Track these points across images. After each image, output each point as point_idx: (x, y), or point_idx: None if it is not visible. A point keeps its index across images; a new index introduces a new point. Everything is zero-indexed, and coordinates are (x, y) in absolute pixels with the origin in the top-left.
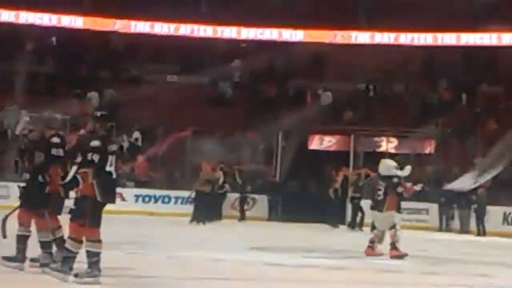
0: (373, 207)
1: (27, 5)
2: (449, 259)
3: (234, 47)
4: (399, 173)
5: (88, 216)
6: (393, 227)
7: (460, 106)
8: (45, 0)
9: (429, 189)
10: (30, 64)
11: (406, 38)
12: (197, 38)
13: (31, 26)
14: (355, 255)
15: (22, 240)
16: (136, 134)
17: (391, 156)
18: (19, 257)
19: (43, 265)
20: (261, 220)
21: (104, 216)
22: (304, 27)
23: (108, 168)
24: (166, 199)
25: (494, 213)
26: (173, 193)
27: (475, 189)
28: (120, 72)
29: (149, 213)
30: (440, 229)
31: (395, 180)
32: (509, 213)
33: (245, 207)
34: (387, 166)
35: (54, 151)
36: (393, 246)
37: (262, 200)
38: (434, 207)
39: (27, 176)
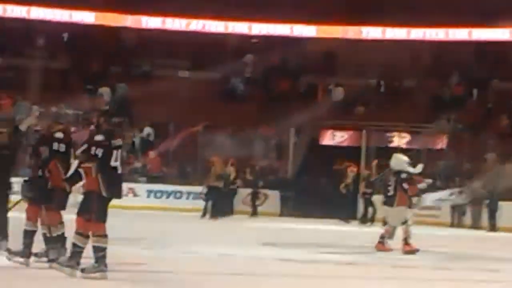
0: (384, 203)
1: (39, 1)
2: (460, 255)
3: (246, 43)
4: (411, 170)
5: (94, 211)
6: (405, 222)
7: (471, 102)
8: None
9: (441, 185)
10: (42, 59)
11: (417, 34)
12: (208, 34)
13: (43, 22)
14: (366, 251)
15: (29, 235)
16: (148, 130)
17: (403, 151)
18: (26, 252)
19: (50, 260)
20: (273, 215)
21: (115, 211)
22: (316, 22)
23: (113, 163)
24: (178, 194)
25: (507, 209)
26: (185, 188)
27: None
28: (132, 68)
29: (161, 208)
30: (452, 225)
31: (403, 175)
32: None
33: (257, 202)
34: (398, 161)
35: (55, 146)
36: (406, 241)
37: (274, 196)
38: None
39: (26, 171)
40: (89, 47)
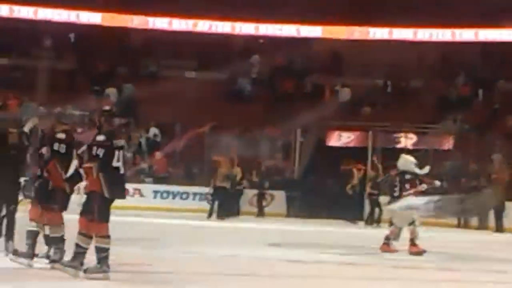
0: (390, 204)
1: (46, 1)
2: (466, 256)
3: (252, 43)
4: (418, 171)
5: (96, 211)
6: (412, 223)
7: (478, 102)
8: None
9: (447, 185)
10: (48, 60)
11: (424, 34)
12: (215, 34)
13: (50, 23)
14: (372, 252)
15: (32, 235)
16: (155, 130)
17: (409, 152)
18: (29, 252)
19: (53, 261)
20: (279, 216)
21: (121, 212)
22: (322, 23)
23: (115, 164)
24: (185, 195)
25: None
26: (191, 189)
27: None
28: (138, 68)
29: (168, 209)
30: (458, 226)
31: (407, 176)
32: None
33: (263, 203)
34: (406, 161)
35: (56, 146)
36: (413, 242)
37: (280, 196)
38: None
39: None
40: (96, 47)
